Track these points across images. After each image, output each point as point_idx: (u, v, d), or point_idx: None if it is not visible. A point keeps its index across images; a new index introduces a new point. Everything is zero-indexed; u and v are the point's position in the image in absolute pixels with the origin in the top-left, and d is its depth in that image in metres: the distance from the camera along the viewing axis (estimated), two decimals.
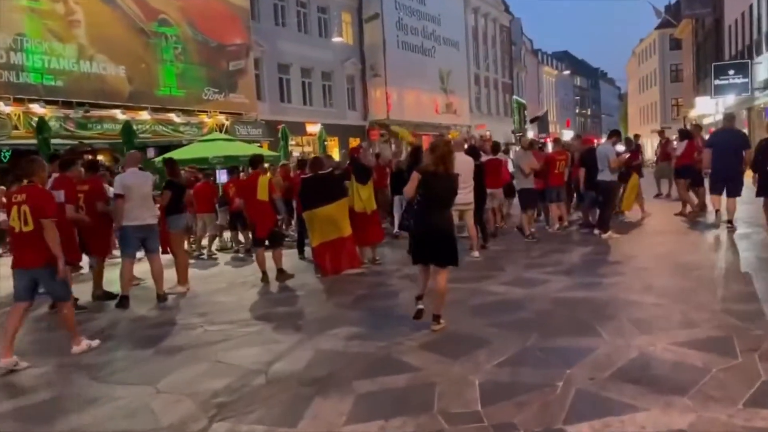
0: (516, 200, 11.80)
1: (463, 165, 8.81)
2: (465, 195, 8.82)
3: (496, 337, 5.06)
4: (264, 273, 8.56)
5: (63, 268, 5.31)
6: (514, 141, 41.26)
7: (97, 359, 5.41)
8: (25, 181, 5.61)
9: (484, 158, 10.73)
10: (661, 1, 52.43)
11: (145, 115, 20.92)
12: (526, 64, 60.06)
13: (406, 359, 4.70)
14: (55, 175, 7.55)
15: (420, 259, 5.48)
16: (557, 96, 73.97)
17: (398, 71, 33.39)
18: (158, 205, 8.18)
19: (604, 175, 10.22)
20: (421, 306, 5.52)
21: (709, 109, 34.23)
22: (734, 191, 9.95)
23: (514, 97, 53.71)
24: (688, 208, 12.29)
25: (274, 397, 4.14)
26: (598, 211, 11.63)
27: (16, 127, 17.37)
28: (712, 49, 35.45)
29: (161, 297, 7.64)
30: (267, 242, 8.70)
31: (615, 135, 11.07)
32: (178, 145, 19.50)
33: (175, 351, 5.47)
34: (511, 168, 12.42)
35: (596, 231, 10.60)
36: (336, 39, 29.68)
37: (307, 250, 9.82)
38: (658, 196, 16.57)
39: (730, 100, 29.73)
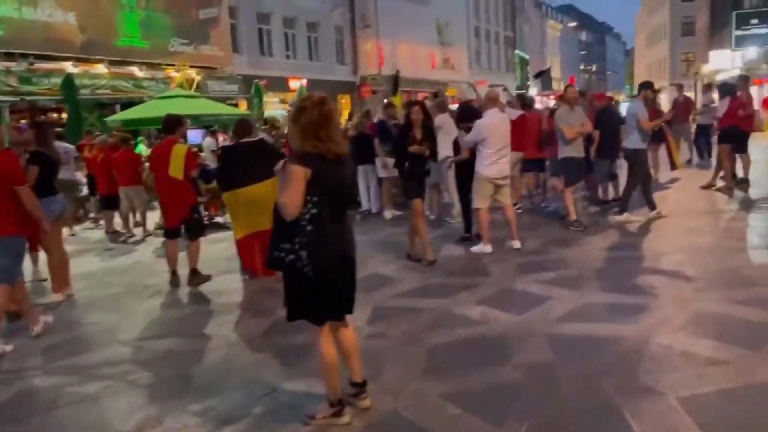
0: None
1: (501, 126, 6.77)
2: (504, 165, 6.78)
3: None
4: (173, 273, 6.48)
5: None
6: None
7: None
8: None
9: (513, 114, 8.41)
10: None
11: (101, 69, 18.68)
12: (529, 17, 56.74)
13: None
14: None
15: (334, 314, 3.18)
16: (561, 51, 70.66)
17: (391, 22, 30.42)
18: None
19: (633, 141, 7.90)
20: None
21: (724, 64, 31.59)
22: None
23: (516, 51, 50.66)
24: (719, 182, 10.04)
25: None
26: (610, 185, 9.54)
27: None
28: None
29: (11, 315, 5.49)
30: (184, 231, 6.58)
31: (646, 88, 8.53)
32: (141, 102, 17.31)
33: None
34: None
35: (614, 211, 8.46)
36: None
37: None
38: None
39: (751, 53, 27.20)
